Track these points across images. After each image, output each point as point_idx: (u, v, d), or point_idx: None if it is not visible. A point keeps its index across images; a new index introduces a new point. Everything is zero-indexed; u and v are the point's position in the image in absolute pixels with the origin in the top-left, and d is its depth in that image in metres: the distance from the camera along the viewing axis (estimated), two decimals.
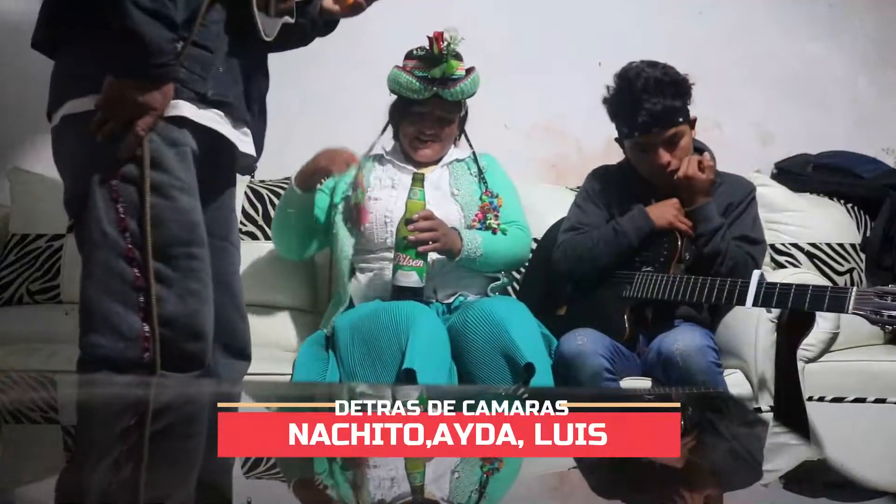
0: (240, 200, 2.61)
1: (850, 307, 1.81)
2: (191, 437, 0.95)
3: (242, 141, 1.62)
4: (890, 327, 1.81)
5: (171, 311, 1.47)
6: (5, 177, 2.71)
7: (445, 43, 2.21)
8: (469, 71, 2.27)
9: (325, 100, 2.94)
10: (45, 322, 2.45)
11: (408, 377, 1.85)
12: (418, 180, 2.17)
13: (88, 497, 0.70)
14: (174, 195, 1.47)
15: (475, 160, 2.39)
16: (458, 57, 2.25)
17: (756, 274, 1.96)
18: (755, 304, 1.95)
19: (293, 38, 1.72)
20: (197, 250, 1.50)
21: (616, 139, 2.27)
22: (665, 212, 2.18)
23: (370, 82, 2.44)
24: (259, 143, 1.72)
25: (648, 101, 2.13)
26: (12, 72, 2.83)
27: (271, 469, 0.83)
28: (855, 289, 1.83)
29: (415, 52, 2.26)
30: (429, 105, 2.27)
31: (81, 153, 1.52)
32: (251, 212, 2.63)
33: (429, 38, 2.23)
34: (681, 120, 2.17)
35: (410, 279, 2.13)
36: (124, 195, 1.46)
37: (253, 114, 1.68)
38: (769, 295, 1.93)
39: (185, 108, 1.50)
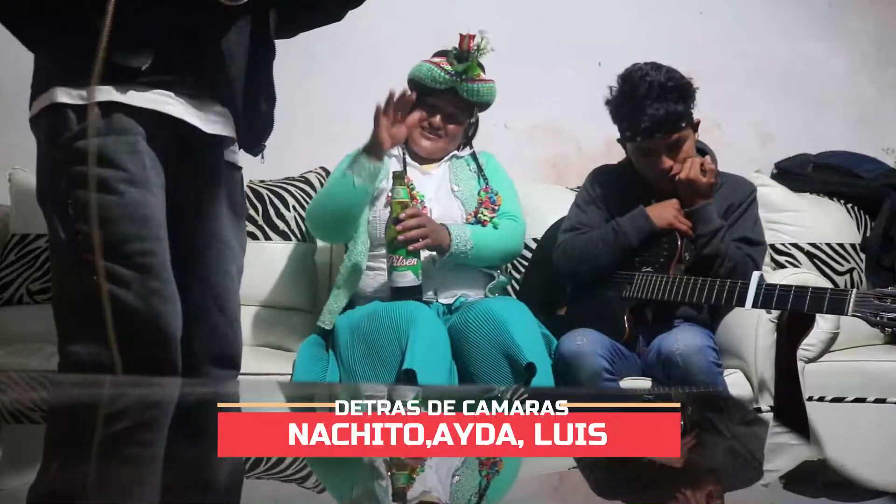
0: None
1: (850, 309, 1.81)
2: (180, 437, 0.95)
3: (207, 121, 1.51)
4: (889, 329, 1.81)
5: (132, 313, 1.39)
6: (5, 177, 2.71)
7: (475, 45, 2.25)
8: (489, 80, 2.31)
9: (326, 101, 2.94)
10: (45, 322, 2.42)
11: (408, 378, 1.85)
12: (398, 178, 2.17)
13: (79, 497, 0.70)
14: (121, 189, 1.38)
15: (474, 158, 2.41)
16: (482, 67, 2.29)
17: (756, 275, 1.96)
18: (755, 305, 1.95)
19: (318, 12, 1.63)
20: (152, 245, 1.41)
21: (618, 140, 2.27)
22: (665, 212, 2.18)
23: (372, 82, 2.44)
24: (268, 119, 1.62)
25: (651, 105, 2.11)
26: (12, 72, 2.82)
27: (270, 469, 0.83)
28: (854, 291, 1.83)
29: (445, 49, 2.29)
30: (442, 99, 2.29)
31: (39, 156, 1.48)
32: (251, 212, 2.62)
33: (460, 35, 2.26)
34: (683, 125, 2.17)
35: (406, 279, 2.13)
36: (73, 197, 1.39)
37: (259, 89, 1.58)
38: (769, 296, 1.93)
39: (114, 93, 1.40)
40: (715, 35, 3.12)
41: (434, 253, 2.22)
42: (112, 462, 0.82)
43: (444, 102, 2.30)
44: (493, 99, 2.33)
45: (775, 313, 2.15)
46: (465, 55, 2.25)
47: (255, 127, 1.61)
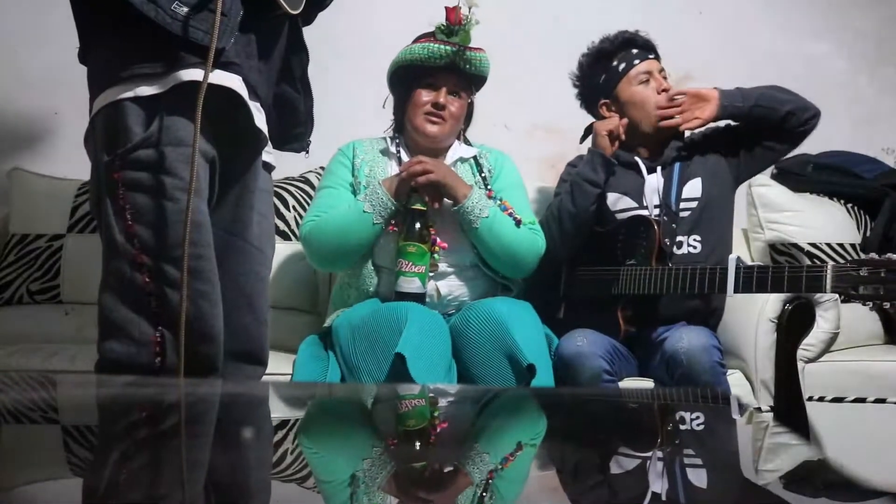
0: None
1: (828, 286, 1.80)
2: (195, 436, 0.95)
3: (255, 115, 1.59)
4: (870, 303, 1.77)
5: (181, 313, 1.45)
6: (5, 177, 2.71)
7: (464, 16, 2.20)
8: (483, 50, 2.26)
9: (325, 101, 2.93)
10: (45, 322, 2.45)
11: (399, 362, 1.85)
12: (413, 188, 2.17)
13: (88, 498, 0.70)
14: (177, 196, 1.46)
15: (476, 160, 2.35)
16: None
17: (732, 259, 1.96)
18: (736, 290, 1.95)
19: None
20: (203, 251, 1.49)
21: (601, 103, 2.33)
22: (600, 139, 2.24)
23: (372, 82, 2.44)
24: (308, 117, 1.75)
25: (635, 37, 2.30)
26: (13, 74, 2.83)
27: (280, 470, 0.84)
28: (831, 264, 1.82)
29: (426, 32, 2.25)
30: (440, 78, 2.24)
31: (94, 156, 1.54)
32: None
33: (446, 8, 2.21)
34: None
35: (412, 285, 2.13)
36: (131, 202, 1.47)
37: (296, 89, 1.71)
38: (748, 280, 1.93)
39: (195, 73, 1.47)
40: (715, 34, 3.12)
41: (452, 267, 2.21)
42: (111, 463, 0.82)
43: (443, 80, 2.24)
44: (489, 71, 2.27)
45: (775, 313, 2.15)
46: (455, 28, 2.20)
47: (296, 125, 1.74)
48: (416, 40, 2.26)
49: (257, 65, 1.59)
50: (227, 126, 1.56)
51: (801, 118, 2.21)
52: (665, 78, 2.31)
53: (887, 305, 1.74)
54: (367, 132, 2.43)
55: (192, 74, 1.47)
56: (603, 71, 2.33)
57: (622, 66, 2.30)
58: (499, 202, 2.23)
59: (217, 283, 1.52)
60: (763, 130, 2.23)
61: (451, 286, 2.22)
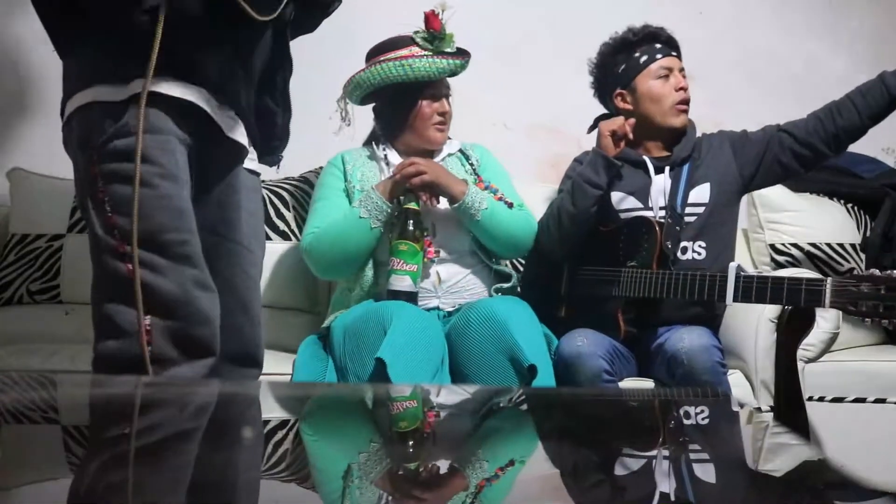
0: None
1: (828, 301, 1.80)
2: (189, 437, 0.95)
3: (228, 125, 1.58)
4: (868, 320, 1.77)
5: (170, 299, 1.45)
6: (5, 177, 2.71)
7: (442, 20, 2.23)
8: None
9: (325, 102, 2.94)
10: (45, 322, 2.45)
11: (381, 367, 1.85)
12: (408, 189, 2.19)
13: (87, 497, 0.70)
14: (155, 182, 1.44)
15: (462, 153, 2.40)
16: None
17: (732, 268, 1.95)
18: (735, 299, 1.94)
19: (299, 27, 1.70)
20: (187, 236, 1.48)
21: (618, 93, 2.30)
22: (603, 141, 2.19)
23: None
24: (284, 132, 1.73)
25: (661, 32, 2.29)
26: (12, 73, 2.83)
27: (269, 469, 0.83)
28: (830, 279, 1.82)
29: (411, 37, 2.25)
30: (438, 86, 2.29)
31: (74, 158, 1.53)
32: None
33: (426, 15, 2.23)
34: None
35: (404, 283, 2.14)
36: (109, 194, 1.45)
37: (276, 102, 1.69)
38: (748, 290, 1.93)
39: (162, 85, 1.47)
40: (715, 34, 3.12)
41: (449, 263, 2.23)
42: (107, 463, 0.82)
43: (439, 86, 2.30)
44: None
45: (775, 313, 2.15)
46: (440, 33, 2.23)
47: (272, 139, 1.71)
48: (396, 47, 2.26)
49: (231, 72, 1.57)
50: (202, 134, 1.55)
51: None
52: (684, 77, 2.30)
53: (886, 322, 1.73)
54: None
55: (150, 85, 1.45)
56: (624, 61, 2.31)
57: (644, 58, 2.28)
58: (488, 187, 2.30)
59: (206, 269, 1.50)
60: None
61: (450, 272, 2.24)
